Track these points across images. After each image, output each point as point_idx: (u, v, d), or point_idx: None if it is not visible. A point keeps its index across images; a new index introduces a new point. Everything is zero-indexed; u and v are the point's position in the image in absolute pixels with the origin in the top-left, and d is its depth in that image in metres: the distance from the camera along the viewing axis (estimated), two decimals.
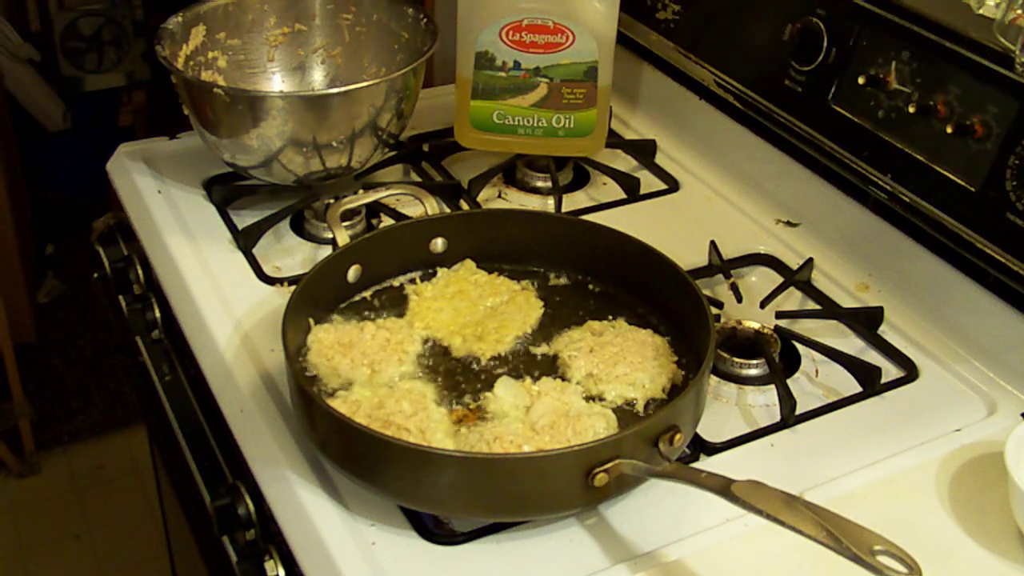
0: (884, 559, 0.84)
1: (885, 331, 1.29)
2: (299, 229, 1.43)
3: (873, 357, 1.26)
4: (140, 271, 1.53)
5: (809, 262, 1.37)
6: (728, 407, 1.18)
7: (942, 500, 1.08)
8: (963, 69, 1.23)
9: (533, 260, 1.27)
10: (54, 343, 3.20)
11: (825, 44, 1.38)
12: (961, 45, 1.23)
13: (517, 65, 1.45)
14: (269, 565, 1.10)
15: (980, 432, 1.15)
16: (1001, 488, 1.05)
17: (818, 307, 1.33)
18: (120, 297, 1.58)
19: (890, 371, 1.24)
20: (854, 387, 1.21)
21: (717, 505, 0.94)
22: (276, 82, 1.58)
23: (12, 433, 2.84)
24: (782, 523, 0.88)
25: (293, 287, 1.19)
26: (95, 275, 1.62)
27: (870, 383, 1.21)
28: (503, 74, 1.46)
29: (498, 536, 1.01)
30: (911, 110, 1.29)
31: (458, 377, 1.14)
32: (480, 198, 1.49)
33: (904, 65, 1.29)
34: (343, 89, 1.35)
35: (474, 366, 1.15)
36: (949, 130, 1.25)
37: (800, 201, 1.46)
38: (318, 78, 1.60)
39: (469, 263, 1.26)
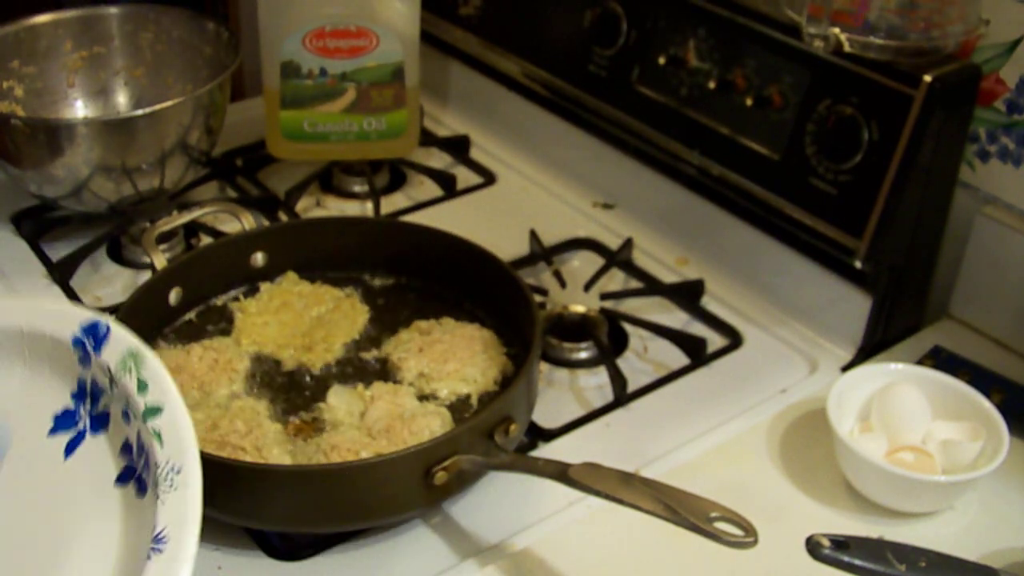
0: (721, 525, 0.86)
1: (707, 302, 1.32)
2: (117, 256, 1.40)
3: (698, 329, 1.29)
4: None
5: (628, 242, 1.40)
6: (562, 392, 1.20)
7: (773, 460, 1.11)
8: (756, 43, 1.27)
9: (355, 266, 1.27)
10: None
11: (624, 27, 1.40)
12: (752, 19, 1.27)
13: (323, 72, 1.44)
14: None
15: (804, 390, 1.20)
16: (827, 442, 1.09)
17: (641, 285, 1.36)
18: None
19: (715, 340, 1.27)
20: (682, 360, 1.24)
21: (559, 490, 0.94)
22: (79, 108, 1.54)
23: None
24: (621, 501, 0.90)
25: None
26: None
27: (697, 354, 1.24)
28: (310, 82, 1.45)
29: (345, 545, 1.01)
30: (712, 86, 1.32)
31: (291, 390, 1.12)
32: (298, 208, 1.48)
33: (701, 43, 1.32)
34: (148, 110, 1.31)
35: (306, 377, 1.14)
36: (749, 103, 1.28)
37: (614, 183, 1.49)
38: (122, 101, 1.56)
39: (291, 274, 1.25)
